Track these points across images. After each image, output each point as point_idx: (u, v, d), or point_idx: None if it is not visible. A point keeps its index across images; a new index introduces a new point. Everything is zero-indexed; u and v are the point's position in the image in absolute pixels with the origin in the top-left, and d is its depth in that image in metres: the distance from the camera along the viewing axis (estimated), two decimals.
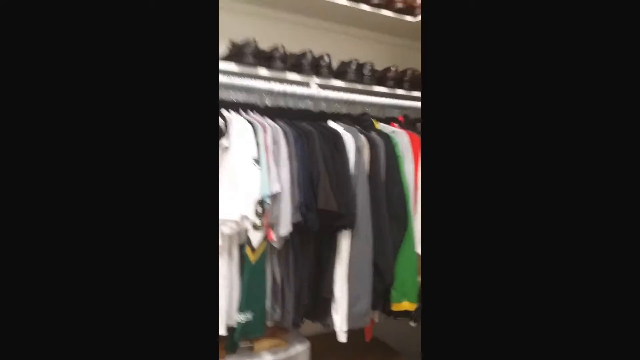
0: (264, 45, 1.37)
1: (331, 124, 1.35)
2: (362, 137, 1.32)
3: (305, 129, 1.26)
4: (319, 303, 1.30)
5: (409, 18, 1.64)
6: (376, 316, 1.39)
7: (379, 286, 1.30)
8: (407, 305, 1.35)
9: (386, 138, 1.37)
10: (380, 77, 1.58)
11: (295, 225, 1.18)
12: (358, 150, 1.28)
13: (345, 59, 1.55)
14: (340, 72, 1.50)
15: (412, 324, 1.43)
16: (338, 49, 1.57)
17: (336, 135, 1.28)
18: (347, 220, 1.22)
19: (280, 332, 1.43)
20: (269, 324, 1.25)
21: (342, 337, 1.29)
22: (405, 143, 1.38)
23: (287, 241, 1.21)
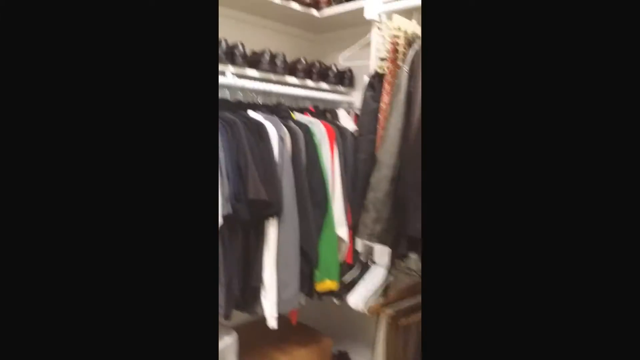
0: None
1: (251, 113, 1.35)
2: (284, 127, 1.35)
3: (229, 118, 1.24)
4: (247, 292, 1.30)
5: (314, 12, 1.71)
6: (302, 299, 1.45)
7: (305, 269, 1.36)
8: (330, 284, 1.44)
9: (304, 128, 1.42)
10: (291, 69, 1.62)
11: (226, 217, 1.16)
12: (281, 139, 1.31)
13: (257, 49, 1.55)
14: (254, 62, 1.50)
15: (335, 301, 1.53)
16: (249, 39, 1.56)
17: (259, 125, 1.29)
18: (275, 208, 1.25)
19: None
20: None
21: (273, 323, 1.32)
22: (321, 132, 1.45)
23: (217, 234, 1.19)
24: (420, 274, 1.51)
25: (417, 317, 1.33)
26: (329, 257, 1.43)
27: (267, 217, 1.26)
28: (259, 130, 1.27)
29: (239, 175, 1.19)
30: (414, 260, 1.51)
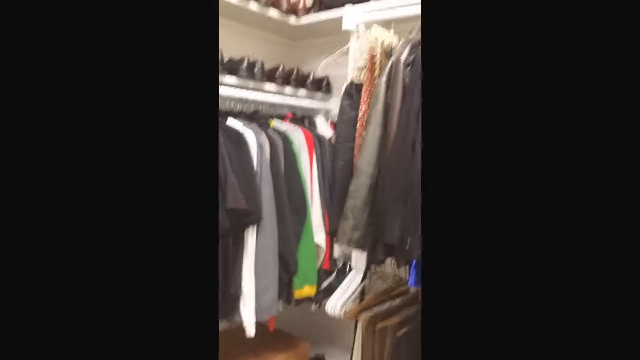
0: None
1: (230, 121, 1.35)
2: (263, 135, 1.35)
3: None
4: (226, 300, 1.30)
5: (292, 19, 1.72)
6: (280, 306, 1.46)
7: (284, 276, 1.37)
8: (308, 290, 1.45)
9: (283, 135, 1.43)
10: (269, 75, 1.63)
11: None
12: (260, 147, 1.32)
13: (234, 55, 1.55)
14: (233, 69, 1.50)
15: (313, 307, 1.54)
16: (227, 45, 1.55)
17: (238, 133, 1.29)
18: (254, 217, 1.26)
19: None
20: None
21: (251, 331, 1.32)
22: (300, 140, 1.47)
23: None
24: (395, 278, 1.55)
25: (393, 320, 1.37)
26: (307, 264, 1.44)
27: (246, 225, 1.26)
28: (238, 139, 1.28)
29: (218, 184, 1.19)
30: (389, 265, 1.55)
